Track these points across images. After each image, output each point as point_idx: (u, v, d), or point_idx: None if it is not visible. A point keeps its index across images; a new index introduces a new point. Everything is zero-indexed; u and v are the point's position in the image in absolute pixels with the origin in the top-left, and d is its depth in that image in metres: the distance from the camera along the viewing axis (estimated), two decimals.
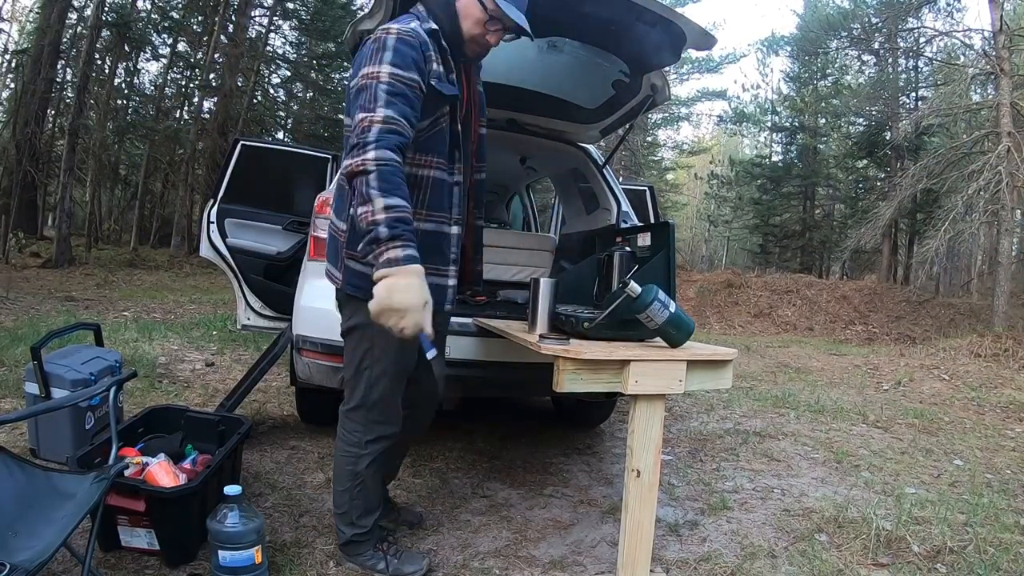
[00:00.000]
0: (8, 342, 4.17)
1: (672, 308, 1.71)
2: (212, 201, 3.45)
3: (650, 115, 18.52)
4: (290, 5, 16.82)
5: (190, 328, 5.63)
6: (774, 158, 21.44)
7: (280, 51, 17.65)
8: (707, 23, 20.91)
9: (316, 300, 2.27)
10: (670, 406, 3.93)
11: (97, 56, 12.91)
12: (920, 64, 14.99)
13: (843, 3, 15.45)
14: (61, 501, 1.41)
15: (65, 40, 12.30)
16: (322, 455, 2.73)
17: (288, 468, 2.59)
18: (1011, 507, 2.55)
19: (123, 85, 15.56)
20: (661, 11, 2.07)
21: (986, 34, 9.94)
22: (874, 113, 15.53)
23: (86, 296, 7.66)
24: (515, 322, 2.27)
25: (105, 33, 12.57)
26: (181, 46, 15.95)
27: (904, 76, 15.21)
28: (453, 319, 2.38)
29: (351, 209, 1.45)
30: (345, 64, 16.05)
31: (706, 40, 2.20)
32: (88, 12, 12.45)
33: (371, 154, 1.35)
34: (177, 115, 16.54)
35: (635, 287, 1.71)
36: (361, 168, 1.35)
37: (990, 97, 10.01)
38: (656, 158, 22.80)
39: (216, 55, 15.15)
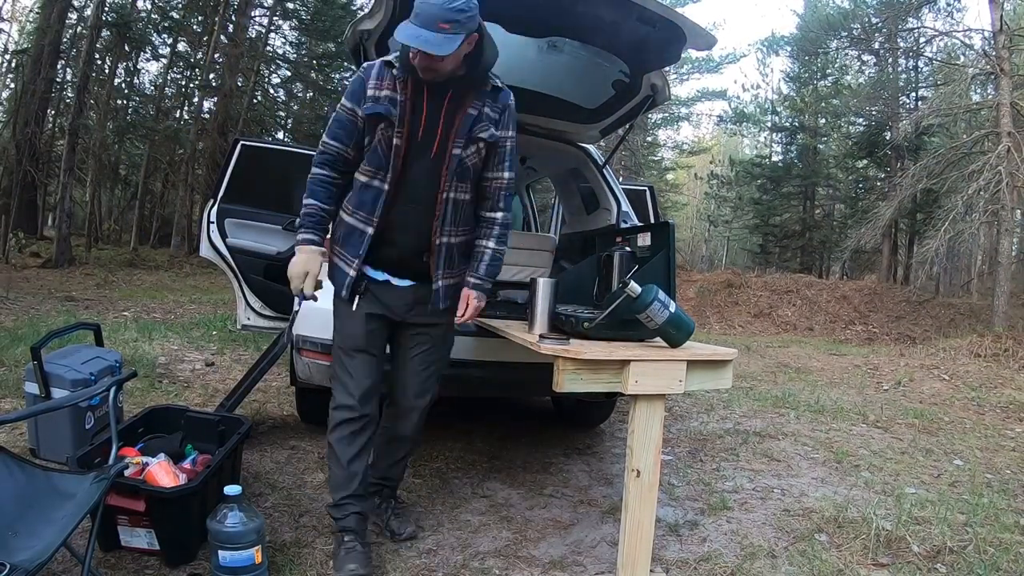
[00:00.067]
0: (8, 342, 4.17)
1: (672, 308, 1.71)
2: (212, 201, 3.44)
3: (650, 115, 18.51)
4: (290, 5, 16.81)
5: (190, 328, 5.62)
6: (774, 158, 21.42)
7: (280, 51, 17.63)
8: (707, 23, 20.94)
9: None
10: (670, 406, 3.93)
11: (97, 56, 12.90)
12: (920, 64, 14.98)
13: (843, 3, 15.44)
14: (61, 501, 1.41)
15: (65, 40, 12.28)
16: (322, 455, 2.73)
17: (288, 468, 2.59)
18: (1011, 507, 2.55)
19: (123, 85, 15.56)
20: (661, 11, 2.07)
21: (986, 34, 9.94)
22: (874, 113, 15.52)
23: (86, 296, 7.66)
24: (515, 322, 2.28)
25: (105, 33, 12.56)
26: (181, 46, 15.94)
27: (904, 76, 15.20)
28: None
29: None
30: (345, 64, 16.02)
31: (706, 40, 2.20)
32: (88, 12, 12.43)
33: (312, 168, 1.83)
34: (177, 115, 16.52)
35: (635, 287, 1.71)
36: None
37: (990, 97, 10.00)
38: (656, 158, 22.79)
39: (216, 55, 15.14)
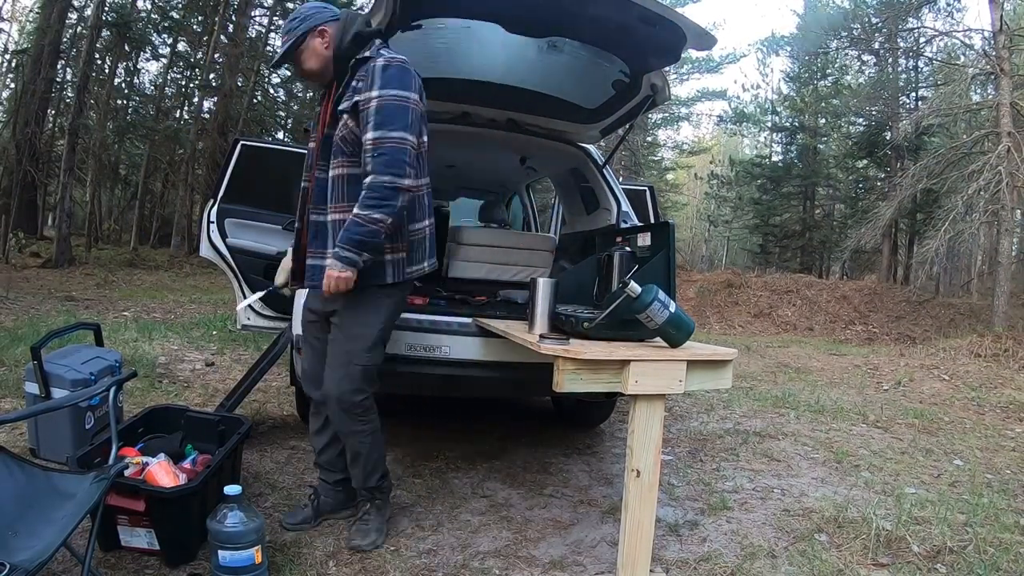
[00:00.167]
0: (8, 342, 4.17)
1: (672, 308, 1.71)
2: (212, 201, 3.44)
3: (650, 115, 18.51)
4: (290, 5, 16.80)
5: (190, 328, 5.63)
6: (774, 158, 21.43)
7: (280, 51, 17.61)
8: (707, 23, 20.90)
9: None
10: (670, 406, 3.93)
11: (97, 56, 12.91)
12: (920, 64, 14.97)
13: (843, 3, 15.42)
14: (61, 501, 1.41)
15: (65, 40, 12.29)
16: None
17: (288, 468, 2.59)
18: (1011, 507, 2.55)
19: (123, 85, 15.56)
20: (661, 11, 2.07)
21: (986, 34, 9.93)
22: (874, 113, 15.52)
23: (86, 296, 7.66)
24: (515, 322, 2.28)
25: (105, 33, 12.56)
26: (181, 46, 15.94)
27: (904, 76, 15.19)
28: (453, 319, 2.41)
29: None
30: None
31: (706, 40, 2.20)
32: (88, 12, 12.44)
33: None
34: (177, 115, 16.53)
35: (635, 287, 1.71)
36: None
37: (990, 97, 10.00)
38: (656, 158, 22.79)
39: (216, 55, 15.14)
